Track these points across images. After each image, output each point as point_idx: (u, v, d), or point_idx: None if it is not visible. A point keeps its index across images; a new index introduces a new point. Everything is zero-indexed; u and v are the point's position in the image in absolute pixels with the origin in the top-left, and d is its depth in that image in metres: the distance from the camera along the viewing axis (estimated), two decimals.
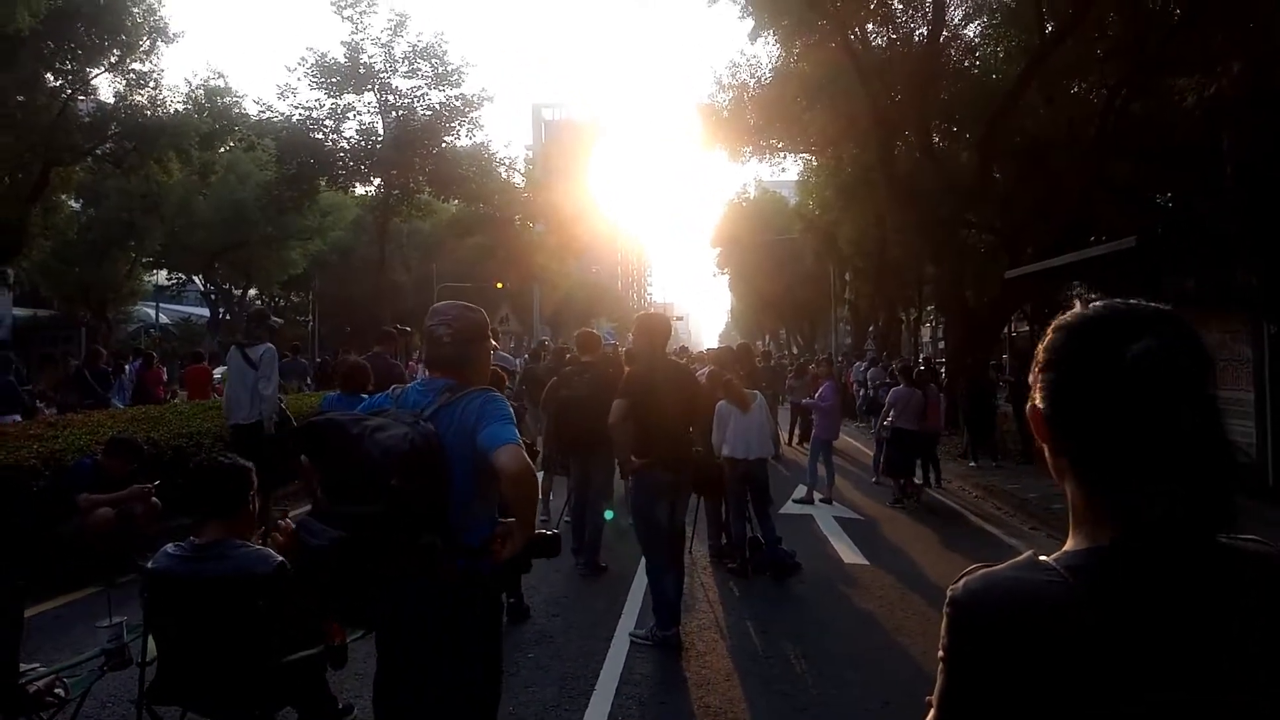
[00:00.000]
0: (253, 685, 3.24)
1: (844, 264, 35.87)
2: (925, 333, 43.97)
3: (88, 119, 24.61)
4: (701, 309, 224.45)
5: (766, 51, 23.81)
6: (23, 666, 3.38)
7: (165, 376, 18.95)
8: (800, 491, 11.19)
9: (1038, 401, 1.18)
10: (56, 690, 3.49)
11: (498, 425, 2.72)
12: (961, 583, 1.15)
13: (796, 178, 33.76)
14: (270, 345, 9.01)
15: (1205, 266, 10.80)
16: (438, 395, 2.83)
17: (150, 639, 3.39)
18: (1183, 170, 17.19)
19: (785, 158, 27.94)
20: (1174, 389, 1.04)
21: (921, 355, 35.35)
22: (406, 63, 28.71)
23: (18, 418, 11.32)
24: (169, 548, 3.35)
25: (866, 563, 8.03)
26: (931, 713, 1.19)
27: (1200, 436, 1.04)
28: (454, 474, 2.70)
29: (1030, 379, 1.21)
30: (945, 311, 23.76)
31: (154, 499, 7.01)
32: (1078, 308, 1.18)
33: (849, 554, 8.37)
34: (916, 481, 12.23)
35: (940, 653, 1.16)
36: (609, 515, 7.51)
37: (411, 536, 2.58)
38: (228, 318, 42.35)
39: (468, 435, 2.72)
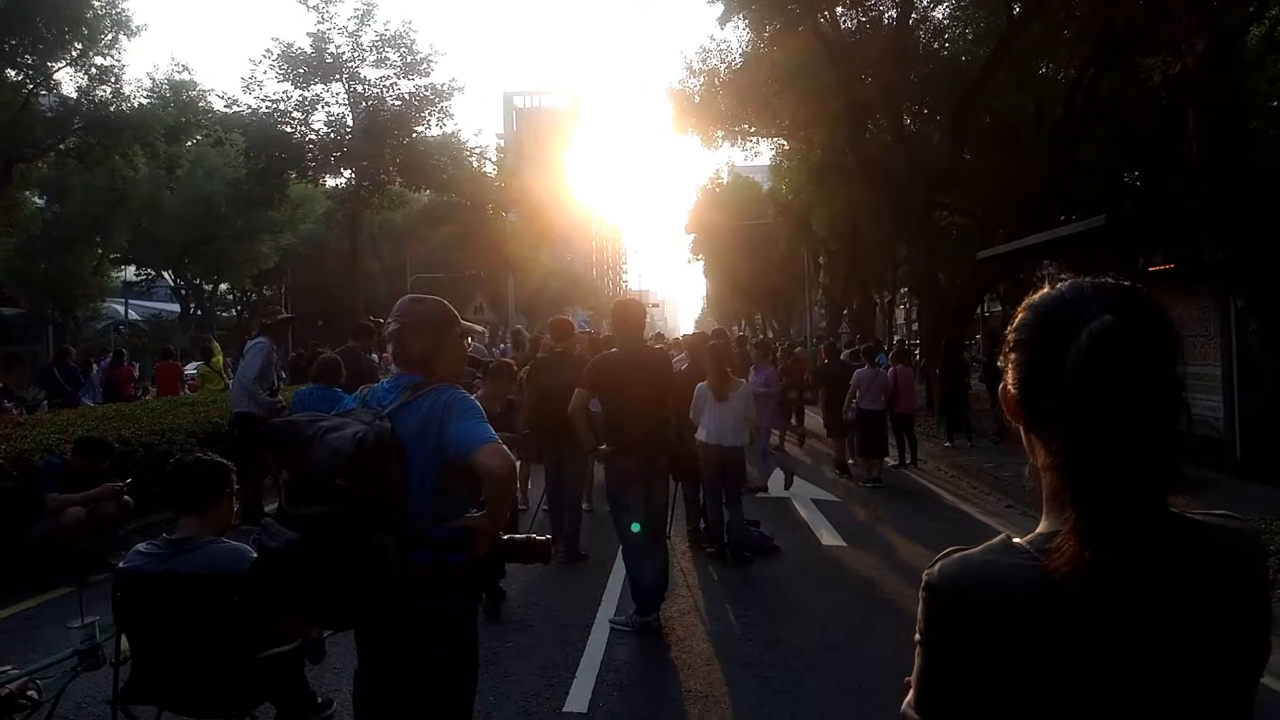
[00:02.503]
0: (229, 682, 3.22)
1: (818, 248, 36.01)
2: (900, 315, 44.30)
3: (50, 114, 24.18)
4: (678, 295, 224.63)
5: (737, 36, 23.83)
6: None
7: (136, 373, 18.72)
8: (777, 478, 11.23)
9: (1009, 382, 1.18)
10: (30, 693, 3.45)
11: (470, 423, 2.71)
12: (937, 567, 1.16)
13: (769, 162, 33.80)
14: (260, 339, 8.96)
15: (1173, 243, 10.93)
16: (400, 393, 2.82)
17: (124, 638, 3.35)
18: (1151, 148, 17.39)
19: (758, 142, 28.01)
20: (1129, 366, 1.04)
21: (895, 337, 35.60)
22: (375, 52, 28.43)
23: None
24: (141, 546, 3.32)
25: (845, 544, 8.09)
26: (910, 693, 1.21)
27: (1151, 413, 1.04)
28: (414, 471, 2.70)
29: (1000, 361, 1.22)
30: (919, 293, 23.95)
31: (125, 497, 6.94)
32: (1045, 288, 1.18)
33: (827, 536, 8.42)
34: (891, 462, 12.37)
35: (917, 635, 1.17)
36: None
37: (361, 537, 2.56)
38: (198, 313, 41.88)
39: (432, 432, 2.71)
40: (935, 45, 21.83)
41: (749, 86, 23.34)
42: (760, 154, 30.56)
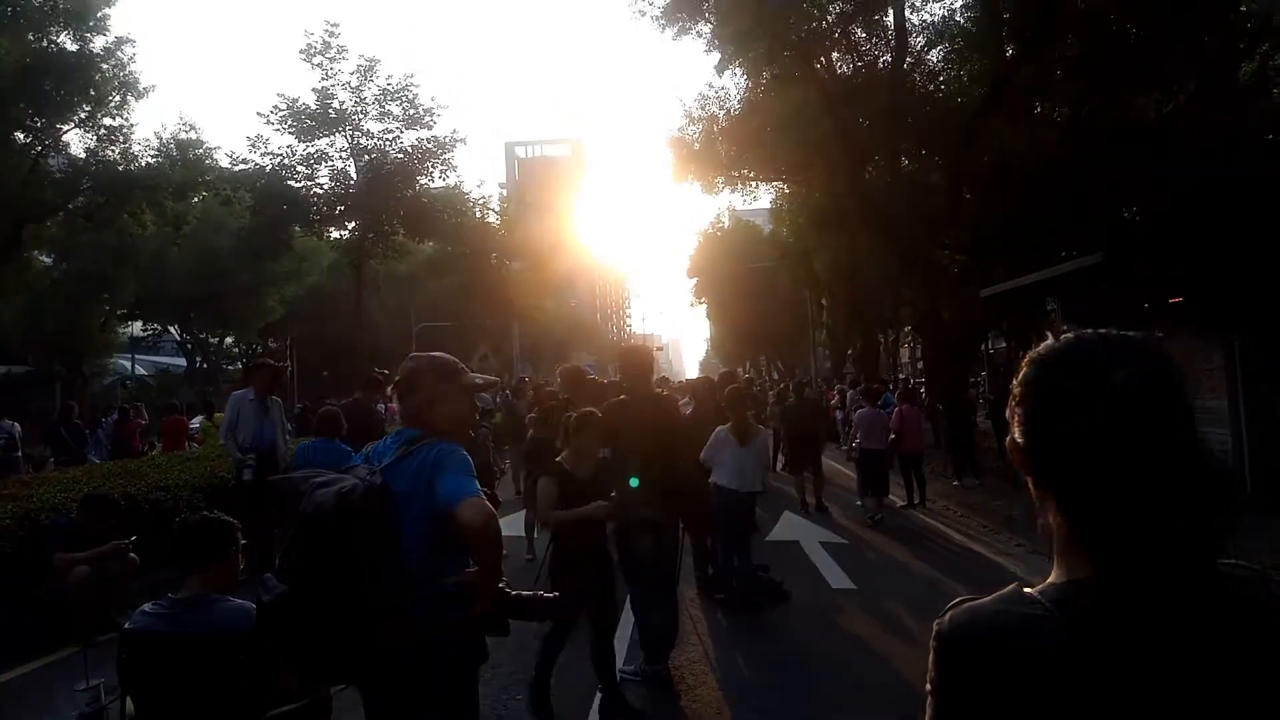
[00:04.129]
0: None
1: (820, 289, 36.16)
2: (905, 354, 44.30)
3: (59, 175, 24.55)
4: (682, 337, 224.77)
5: (734, 83, 24.13)
6: None
7: (145, 423, 18.74)
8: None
9: (1016, 435, 1.18)
10: None
11: (454, 478, 2.71)
12: (948, 616, 1.16)
13: (769, 205, 34.07)
14: (236, 392, 9.05)
15: (1172, 279, 10.97)
16: (397, 448, 2.86)
17: (129, 700, 3.33)
18: (1147, 185, 17.50)
19: (757, 186, 28.23)
20: (1155, 419, 1.04)
21: (901, 376, 35.56)
22: (377, 105, 28.85)
23: None
24: (146, 606, 3.31)
25: (854, 587, 8.02)
26: None
27: (1185, 465, 1.04)
28: (407, 526, 2.70)
29: (1007, 413, 1.22)
30: (922, 332, 23.95)
31: (131, 555, 6.92)
32: (1050, 340, 1.19)
33: (836, 579, 8.36)
34: (899, 503, 12.38)
35: (928, 685, 1.17)
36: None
37: (345, 592, 2.56)
38: (205, 367, 42.05)
39: (423, 486, 2.72)
40: (930, 88, 22.08)
41: (747, 133, 23.61)
42: (760, 198, 30.81)
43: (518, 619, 2.98)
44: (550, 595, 3.00)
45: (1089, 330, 1.15)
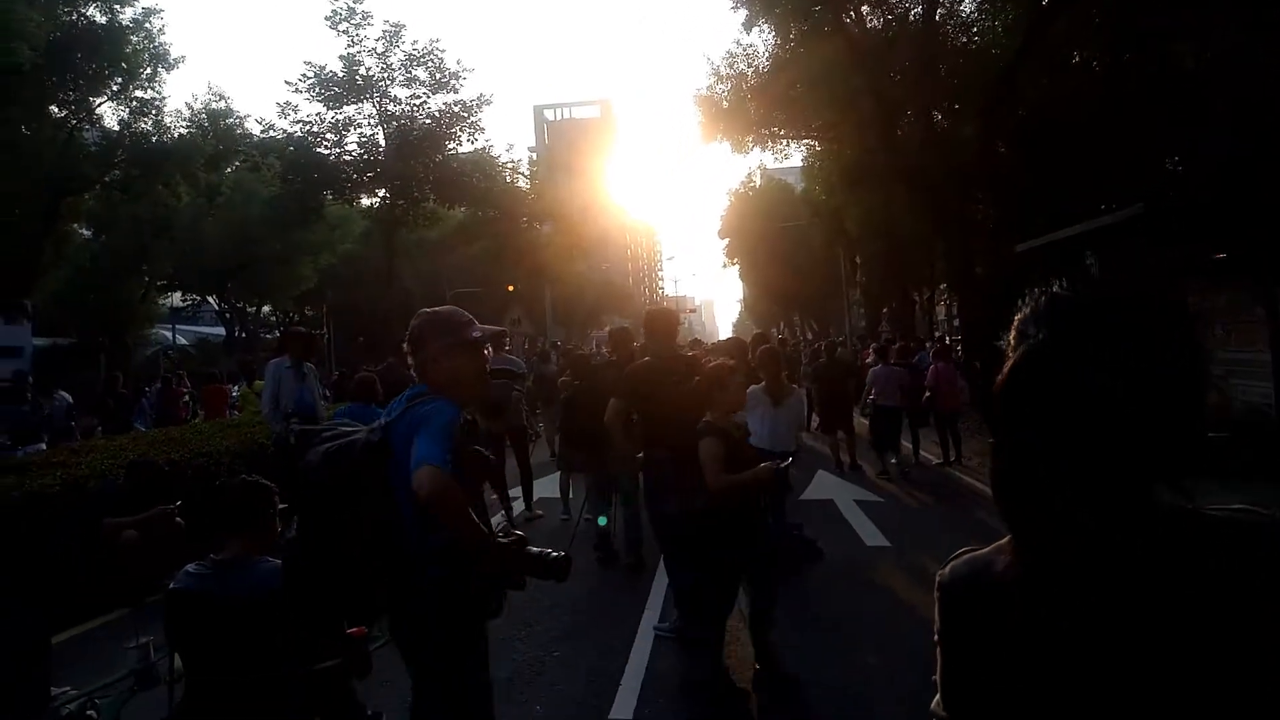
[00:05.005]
0: (279, 698, 3.28)
1: (853, 247, 35.78)
2: (941, 311, 43.81)
3: (94, 148, 24.84)
4: (716, 299, 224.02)
5: (763, 40, 23.81)
6: (54, 691, 3.43)
7: (188, 391, 19.11)
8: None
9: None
10: (89, 713, 3.54)
11: (424, 440, 2.67)
12: (949, 567, 1.20)
13: (801, 163, 33.66)
14: (273, 360, 9.15)
15: (1212, 230, 10.72)
16: (403, 404, 2.88)
17: (176, 657, 3.44)
18: (1188, 134, 17.06)
19: (788, 144, 27.89)
20: (1045, 389, 1.06)
21: (937, 333, 35.23)
22: (404, 71, 28.86)
23: (41, 447, 11.47)
24: (190, 567, 3.40)
25: (889, 545, 8.03)
26: (938, 693, 1.24)
27: (1072, 432, 1.04)
28: (400, 483, 2.71)
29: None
30: (957, 289, 23.67)
31: (177, 519, 7.09)
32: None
33: (871, 537, 8.37)
34: (935, 460, 12.37)
35: (935, 635, 1.20)
36: (602, 521, 7.43)
37: (341, 547, 2.63)
38: (243, 336, 42.64)
39: (409, 444, 2.72)
40: (963, 40, 21.61)
41: (777, 90, 23.28)
42: (791, 156, 30.46)
43: (526, 574, 2.96)
44: (557, 554, 2.96)
45: (1067, 287, 1.14)
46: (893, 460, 12.07)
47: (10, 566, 6.48)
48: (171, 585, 3.37)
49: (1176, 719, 1.01)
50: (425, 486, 2.58)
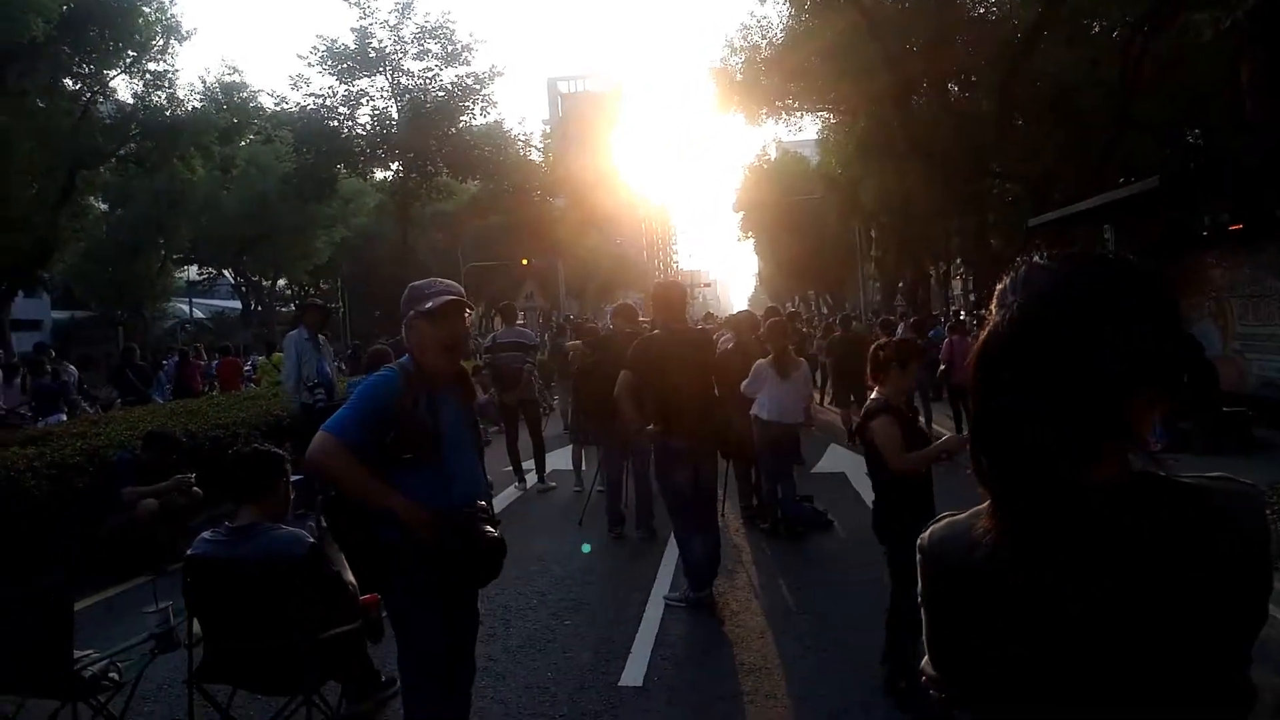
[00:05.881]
0: (295, 662, 3.36)
1: (868, 221, 35.56)
2: (956, 285, 43.56)
3: (109, 121, 24.92)
4: (730, 274, 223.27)
5: (777, 12, 23.51)
6: (76, 653, 3.52)
7: (204, 364, 19.29)
8: None
9: None
10: (111, 674, 3.63)
11: (341, 409, 2.91)
12: (929, 530, 1.23)
13: (815, 136, 33.41)
14: (293, 332, 9.24)
15: (1232, 202, 10.60)
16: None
17: (195, 621, 3.52)
18: (1208, 105, 16.85)
19: (802, 117, 27.69)
20: (1010, 357, 1.09)
21: (952, 308, 35.04)
22: (416, 44, 28.73)
23: (62, 417, 11.62)
24: (205, 534, 3.48)
25: None
26: (926, 653, 1.28)
27: (1035, 399, 1.06)
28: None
29: None
30: (972, 263, 23.54)
31: (194, 489, 7.20)
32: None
33: None
34: (948, 433, 12.37)
35: (919, 599, 1.23)
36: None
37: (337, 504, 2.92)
38: (259, 309, 42.88)
39: None
40: (980, 10, 21.33)
41: (791, 62, 23.08)
42: (805, 129, 30.24)
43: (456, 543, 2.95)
44: (495, 535, 2.96)
45: (1039, 257, 1.15)
46: None
47: (34, 535, 6.60)
48: (189, 552, 3.45)
49: (1144, 673, 1.04)
50: (309, 453, 2.78)
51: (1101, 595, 1.04)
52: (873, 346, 4.55)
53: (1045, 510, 1.07)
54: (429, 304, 2.96)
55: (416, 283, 3.11)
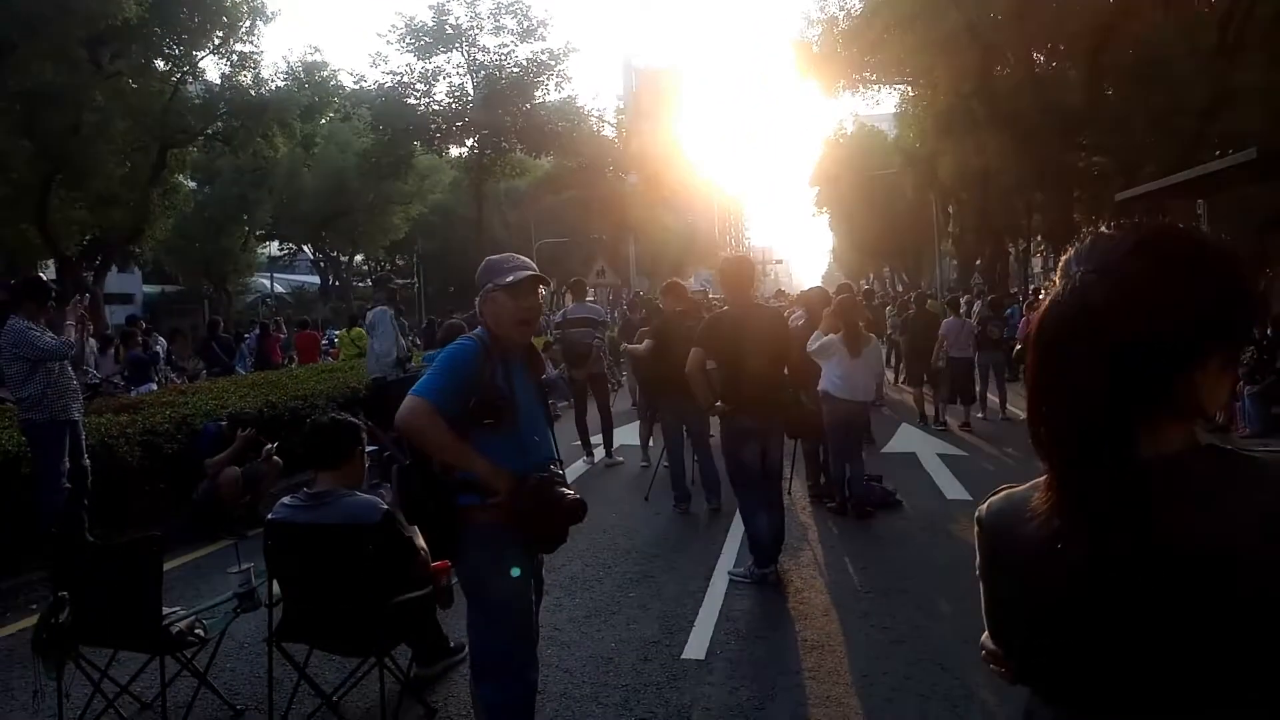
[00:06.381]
0: (369, 625, 3.48)
1: (946, 196, 34.75)
2: (1036, 263, 42.34)
3: (198, 100, 25.68)
4: (801, 250, 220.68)
5: None
6: (165, 610, 3.70)
7: (284, 337, 19.90)
8: None
9: None
10: (197, 631, 3.81)
11: (427, 374, 2.93)
12: (987, 504, 1.22)
13: (894, 110, 32.72)
14: (382, 308, 9.53)
15: None
16: None
17: (275, 583, 3.66)
18: None
19: (879, 90, 27.15)
20: (1068, 330, 1.08)
21: (1032, 286, 34.10)
22: (492, 20, 28.95)
23: (153, 387, 12.11)
24: (285, 499, 3.62)
25: (970, 499, 7.91)
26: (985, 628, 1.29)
27: (1088, 377, 1.06)
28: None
29: None
30: (1054, 240, 22.83)
31: (275, 457, 7.46)
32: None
33: (952, 490, 8.27)
34: (1022, 415, 12.11)
35: (977, 571, 1.23)
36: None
37: (412, 471, 2.98)
38: (337, 284, 43.92)
39: None
40: None
41: (871, 35, 22.63)
42: (882, 103, 29.67)
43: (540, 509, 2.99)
44: (576, 497, 3.00)
45: (1126, 223, 1.13)
46: (978, 414, 11.90)
47: (126, 498, 6.93)
48: (269, 516, 3.59)
49: (1195, 648, 1.02)
50: (399, 415, 2.82)
51: (1151, 570, 1.03)
52: None
53: (1099, 482, 1.05)
54: (509, 278, 3.01)
55: (493, 257, 3.17)
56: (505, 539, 2.95)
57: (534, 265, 3.15)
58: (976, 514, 1.24)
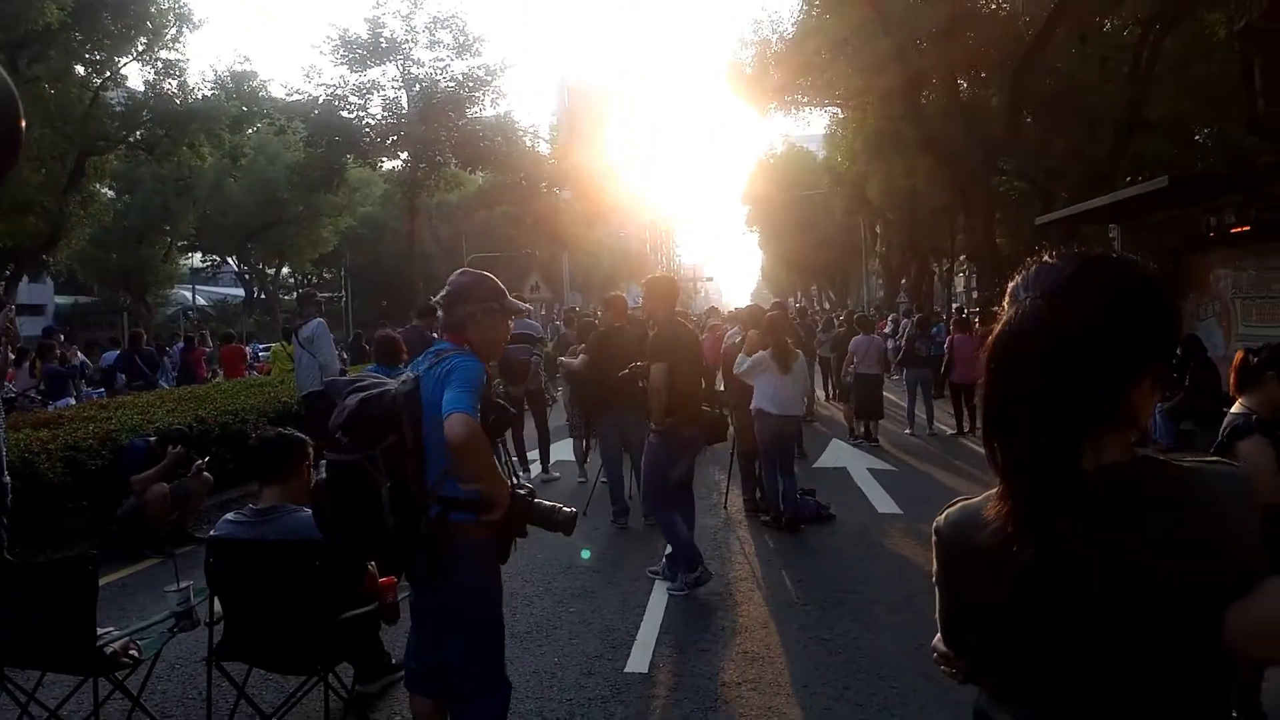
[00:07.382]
0: (314, 642, 3.45)
1: (874, 217, 35.57)
2: (959, 283, 43.55)
3: (120, 108, 24.98)
4: (731, 268, 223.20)
5: (788, 6, 23.56)
6: (99, 631, 3.60)
7: (209, 350, 19.38)
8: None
9: None
10: (131, 651, 3.72)
11: (455, 391, 2.80)
12: (944, 514, 1.32)
13: (823, 131, 33.39)
14: (318, 319, 9.37)
15: (1241, 202, 10.65)
16: (430, 358, 3.01)
17: (216, 600, 3.60)
18: (1221, 104, 16.84)
19: (811, 111, 27.65)
20: (1018, 355, 1.19)
21: (955, 305, 35.05)
22: (427, 34, 28.80)
23: (71, 401, 11.71)
24: (230, 515, 3.57)
25: (900, 512, 8.13)
26: (938, 633, 1.37)
27: (1035, 395, 1.16)
28: (428, 431, 2.88)
29: None
30: (976, 261, 23.54)
31: (205, 474, 7.30)
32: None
33: (883, 504, 8.48)
34: (950, 431, 12.48)
35: (933, 578, 1.33)
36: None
37: (363, 481, 2.82)
38: (262, 297, 42.96)
39: (438, 394, 2.85)
40: (992, 6, 21.30)
41: (800, 57, 23.02)
42: (812, 124, 30.25)
43: (534, 526, 3.14)
44: (569, 510, 3.16)
45: (1053, 256, 1.25)
46: (906, 430, 12.22)
47: (48, 516, 6.70)
48: (212, 532, 3.55)
49: (1139, 648, 1.13)
50: (457, 432, 2.72)
51: (1097, 571, 1.12)
52: (1241, 353, 3.75)
53: (1048, 491, 1.15)
54: (517, 305, 3.20)
55: (485, 275, 3.20)
56: (493, 553, 3.04)
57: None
58: (935, 524, 1.33)
